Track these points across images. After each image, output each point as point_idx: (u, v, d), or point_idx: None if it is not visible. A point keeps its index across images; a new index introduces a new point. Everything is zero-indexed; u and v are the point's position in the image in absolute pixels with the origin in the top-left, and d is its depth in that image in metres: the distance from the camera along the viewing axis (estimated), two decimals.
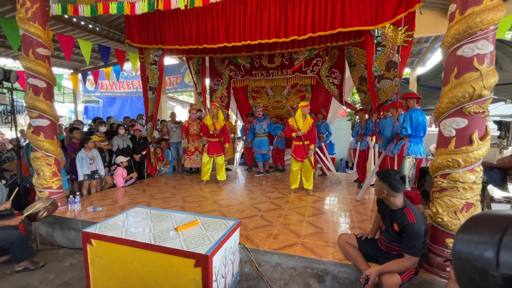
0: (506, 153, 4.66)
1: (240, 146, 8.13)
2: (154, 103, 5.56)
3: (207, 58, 6.82)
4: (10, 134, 8.20)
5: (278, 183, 5.39)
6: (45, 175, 3.66)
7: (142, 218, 2.69)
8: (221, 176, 5.11)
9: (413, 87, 6.38)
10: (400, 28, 3.69)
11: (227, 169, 6.04)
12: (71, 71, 8.34)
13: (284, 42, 4.48)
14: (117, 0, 3.64)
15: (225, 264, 2.28)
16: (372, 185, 4.48)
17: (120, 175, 5.11)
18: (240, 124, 7.54)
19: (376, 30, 3.76)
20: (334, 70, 5.88)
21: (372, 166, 4.92)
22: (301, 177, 4.61)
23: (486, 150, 2.06)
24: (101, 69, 7.96)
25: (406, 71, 6.39)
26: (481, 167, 2.12)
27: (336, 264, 2.42)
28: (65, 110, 13.00)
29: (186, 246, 2.08)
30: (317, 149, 5.45)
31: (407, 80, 6.80)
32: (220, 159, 5.07)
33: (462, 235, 0.54)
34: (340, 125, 9.37)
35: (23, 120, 11.00)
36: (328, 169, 6.01)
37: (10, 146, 6.46)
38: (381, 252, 2.24)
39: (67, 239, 3.56)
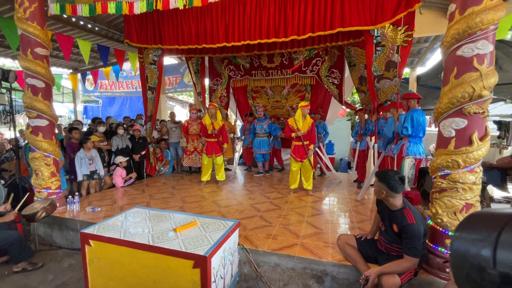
0: (506, 153, 4.65)
1: (239, 146, 8.13)
2: (154, 103, 5.55)
3: (206, 58, 6.81)
4: (9, 134, 8.21)
5: (277, 183, 5.38)
6: (43, 175, 3.65)
7: (141, 218, 2.68)
8: (220, 176, 5.10)
9: (412, 87, 6.37)
10: (399, 28, 3.68)
11: (226, 169, 6.04)
12: (70, 71, 8.31)
13: (284, 42, 4.48)
14: None
15: (224, 265, 2.27)
16: (372, 185, 4.47)
17: (119, 175, 5.10)
18: (239, 124, 7.54)
19: (375, 30, 3.76)
20: (333, 70, 5.87)
21: (371, 166, 4.91)
22: (300, 177, 4.60)
23: (486, 151, 2.05)
24: (100, 69, 7.94)
25: (406, 71, 6.36)
26: (481, 168, 2.11)
27: (335, 265, 2.41)
28: (65, 110, 12.97)
29: (185, 247, 2.07)
30: (317, 149, 5.45)
31: (406, 80, 6.80)
32: (219, 159, 5.07)
33: (459, 233, 0.54)
34: (339, 125, 9.36)
35: (22, 120, 10.96)
36: (328, 169, 6.01)
37: (9, 146, 6.46)
38: (380, 253, 2.24)
39: (65, 240, 3.55)
